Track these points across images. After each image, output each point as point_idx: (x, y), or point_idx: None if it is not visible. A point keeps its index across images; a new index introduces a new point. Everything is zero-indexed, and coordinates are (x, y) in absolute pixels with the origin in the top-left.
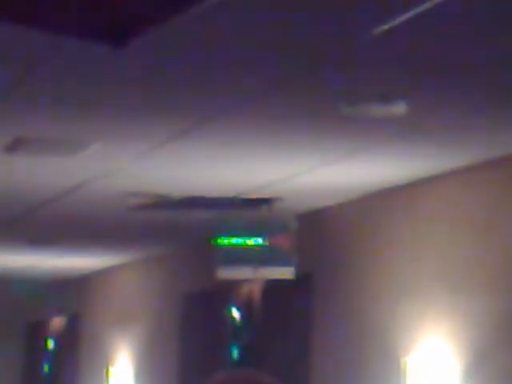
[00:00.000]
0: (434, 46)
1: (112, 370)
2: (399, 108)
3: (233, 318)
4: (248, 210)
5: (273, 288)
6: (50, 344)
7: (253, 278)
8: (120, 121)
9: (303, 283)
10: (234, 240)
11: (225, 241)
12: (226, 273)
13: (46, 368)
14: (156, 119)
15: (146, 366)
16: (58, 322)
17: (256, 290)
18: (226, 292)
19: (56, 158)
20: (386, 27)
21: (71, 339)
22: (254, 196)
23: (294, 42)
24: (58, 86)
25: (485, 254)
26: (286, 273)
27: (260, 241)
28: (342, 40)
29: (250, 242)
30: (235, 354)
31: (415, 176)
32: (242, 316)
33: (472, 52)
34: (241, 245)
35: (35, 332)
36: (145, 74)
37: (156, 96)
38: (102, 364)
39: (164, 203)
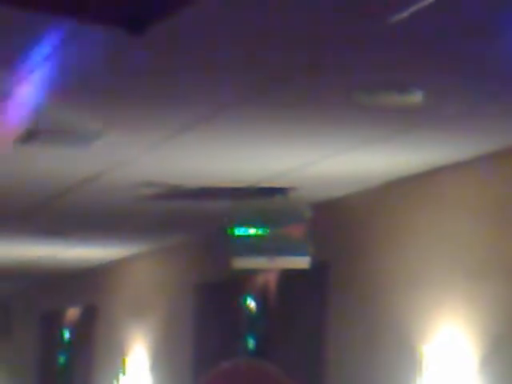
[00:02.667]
0: (449, 34)
1: (127, 360)
2: (415, 96)
3: (248, 308)
4: (263, 199)
5: (288, 277)
6: (66, 335)
7: (268, 267)
8: (133, 111)
9: (318, 273)
10: (248, 230)
11: (239, 231)
12: (240, 263)
13: (61, 359)
14: (170, 109)
15: (162, 356)
16: (73, 313)
17: (271, 280)
18: (241, 282)
19: (69, 149)
20: (401, 15)
21: (86, 330)
22: (269, 185)
23: (309, 28)
24: (70, 76)
25: (502, 241)
26: (301, 262)
27: (275, 230)
28: (357, 28)
29: (265, 231)
30: (250, 343)
31: (430, 164)
32: (258, 306)
33: (487, 40)
34: (255, 235)
35: (51, 323)
36: (158, 64)
37: (170, 85)
38: (118, 354)
39: (178, 193)
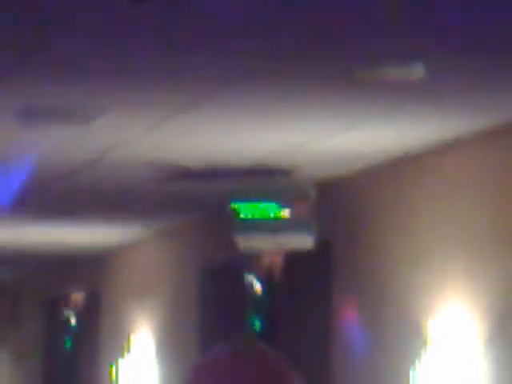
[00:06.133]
0: (449, 6)
1: (133, 344)
2: (416, 70)
3: (253, 289)
4: (266, 179)
5: (293, 258)
6: (72, 319)
7: (272, 247)
8: (135, 90)
9: (323, 253)
10: (252, 210)
11: (243, 211)
12: (245, 243)
13: (67, 343)
14: (172, 87)
15: (167, 339)
16: (78, 298)
17: (276, 260)
18: (246, 263)
19: (70, 129)
20: None
21: (92, 314)
22: (272, 164)
23: (306, 6)
24: (70, 54)
25: (504, 218)
26: (305, 242)
27: (278, 210)
28: (355, 3)
29: (269, 211)
30: (256, 324)
31: (435, 141)
32: (263, 286)
33: (488, 11)
34: (259, 214)
35: (56, 307)
36: (160, 42)
37: (172, 64)
38: (123, 338)
39: (182, 174)
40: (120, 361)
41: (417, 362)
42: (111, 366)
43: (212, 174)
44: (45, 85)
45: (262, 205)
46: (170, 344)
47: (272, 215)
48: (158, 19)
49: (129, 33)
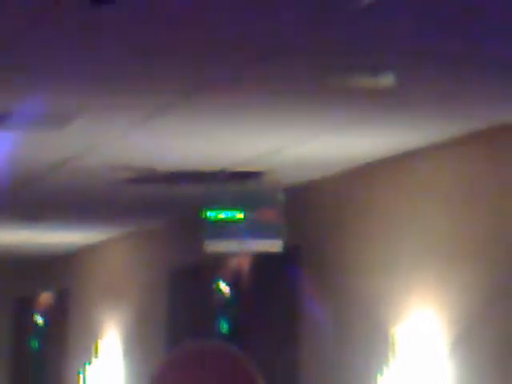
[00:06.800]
0: (422, 12)
1: (100, 345)
2: (387, 80)
3: (221, 292)
4: (236, 183)
5: (261, 261)
6: (39, 320)
7: (240, 251)
8: (107, 94)
9: (291, 256)
10: (221, 214)
11: (212, 214)
12: (213, 247)
13: (34, 344)
14: (143, 92)
15: (135, 340)
16: (46, 298)
17: (244, 264)
18: (214, 266)
19: (41, 134)
20: None
21: (60, 315)
22: (242, 169)
23: (281, 14)
24: (42, 58)
25: (472, 224)
26: (273, 246)
27: (247, 214)
28: (329, 11)
29: (238, 215)
30: (224, 327)
31: (404, 148)
32: (230, 290)
33: (456, 20)
34: (228, 218)
35: (24, 308)
36: (132, 46)
37: (143, 68)
38: (91, 339)
39: (151, 177)
40: (88, 361)
41: (384, 366)
42: (78, 373)
43: (182, 177)
44: (18, 89)
45: (231, 209)
46: (138, 345)
47: (241, 219)
48: (124, 22)
49: (97, 36)
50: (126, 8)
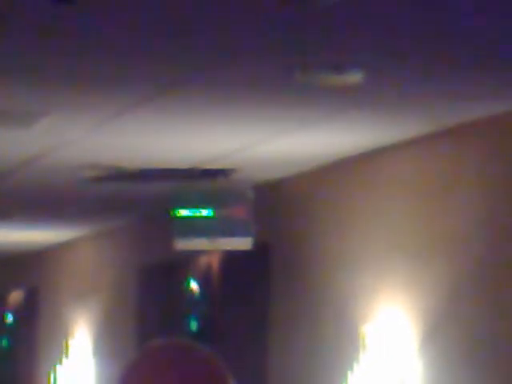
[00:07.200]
0: (389, 10)
1: (71, 343)
2: (355, 77)
3: (190, 290)
4: (204, 180)
5: (231, 259)
6: (8, 318)
7: (210, 249)
8: (73, 92)
9: (261, 254)
10: (190, 211)
11: (181, 212)
12: (183, 244)
13: (4, 342)
14: (110, 90)
15: (105, 338)
16: (16, 296)
17: (214, 262)
18: (184, 264)
19: (8, 132)
20: None
21: (30, 313)
22: (211, 167)
23: (247, 10)
24: (9, 56)
25: (440, 221)
26: (243, 244)
27: (217, 212)
28: (295, 8)
29: (207, 212)
30: (193, 325)
31: (370, 145)
32: (200, 287)
33: (425, 19)
34: (197, 216)
35: None
36: (98, 43)
37: (110, 66)
38: (61, 337)
39: (119, 175)
40: (58, 360)
41: (353, 363)
42: (48, 372)
43: (151, 176)
44: None
45: (200, 206)
46: (108, 343)
47: (210, 216)
48: (89, 20)
49: (61, 34)
50: (84, 8)
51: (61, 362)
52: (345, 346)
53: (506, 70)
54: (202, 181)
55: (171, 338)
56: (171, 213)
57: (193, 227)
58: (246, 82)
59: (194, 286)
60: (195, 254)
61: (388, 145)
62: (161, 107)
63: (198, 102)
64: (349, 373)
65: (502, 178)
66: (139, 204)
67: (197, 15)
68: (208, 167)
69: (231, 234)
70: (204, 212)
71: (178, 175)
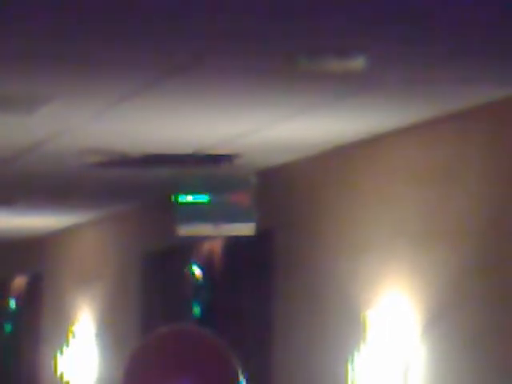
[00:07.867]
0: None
1: (74, 329)
2: (358, 62)
3: (194, 276)
4: (208, 166)
5: (233, 245)
6: (12, 304)
7: (213, 234)
8: (78, 77)
9: (264, 240)
10: (193, 197)
11: (184, 198)
12: (186, 230)
13: (7, 328)
14: (113, 76)
15: (108, 324)
16: (19, 282)
17: (217, 248)
18: (187, 249)
19: (11, 117)
20: None
21: (33, 299)
22: (214, 152)
23: None
24: (12, 43)
25: (446, 207)
26: (246, 229)
27: (219, 197)
28: None
29: (210, 198)
30: (197, 311)
31: (374, 130)
32: (203, 273)
33: (428, 2)
34: (200, 202)
35: None
36: (104, 28)
37: (113, 52)
38: (65, 323)
39: (123, 161)
40: (63, 345)
41: (356, 350)
42: (52, 358)
43: (154, 161)
44: None
45: (203, 192)
46: (111, 328)
47: (213, 203)
48: (91, 5)
49: (68, 21)
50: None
51: (64, 348)
52: (348, 331)
53: (510, 54)
54: (205, 166)
55: (176, 323)
56: (174, 199)
57: (195, 213)
58: (248, 68)
59: (197, 271)
60: (198, 239)
61: (391, 130)
62: (164, 93)
63: (200, 88)
64: (352, 358)
65: (507, 162)
66: (142, 190)
67: (197, 0)
68: (211, 153)
69: (234, 219)
70: (206, 198)
71: (181, 161)
